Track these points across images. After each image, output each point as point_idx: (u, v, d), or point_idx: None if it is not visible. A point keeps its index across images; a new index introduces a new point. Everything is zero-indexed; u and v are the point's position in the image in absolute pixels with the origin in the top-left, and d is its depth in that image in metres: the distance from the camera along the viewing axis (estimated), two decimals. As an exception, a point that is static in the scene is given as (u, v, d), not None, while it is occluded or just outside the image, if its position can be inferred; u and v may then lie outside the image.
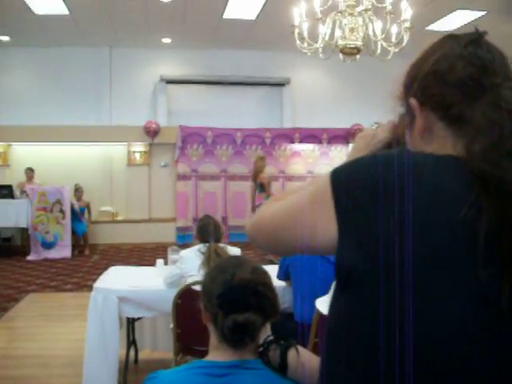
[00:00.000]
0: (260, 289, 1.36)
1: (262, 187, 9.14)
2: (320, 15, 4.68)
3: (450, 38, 0.97)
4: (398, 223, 0.82)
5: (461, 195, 0.83)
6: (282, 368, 1.37)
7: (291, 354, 1.38)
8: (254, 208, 9.35)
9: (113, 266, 4.75)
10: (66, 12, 8.88)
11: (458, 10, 8.97)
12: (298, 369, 1.36)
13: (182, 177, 11.31)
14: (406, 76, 0.99)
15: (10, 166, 11.07)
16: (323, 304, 1.75)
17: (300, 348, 1.40)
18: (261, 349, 1.39)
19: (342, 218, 0.88)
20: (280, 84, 11.93)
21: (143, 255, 9.98)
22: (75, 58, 11.18)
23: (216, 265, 1.48)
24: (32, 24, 9.45)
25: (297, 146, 11.64)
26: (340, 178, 0.91)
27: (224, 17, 9.34)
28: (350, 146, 11.56)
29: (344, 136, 11.74)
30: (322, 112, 11.74)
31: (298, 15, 4.93)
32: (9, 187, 9.98)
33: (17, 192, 10.07)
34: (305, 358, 1.38)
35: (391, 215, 0.83)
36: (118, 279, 3.98)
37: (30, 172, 10.37)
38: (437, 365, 0.81)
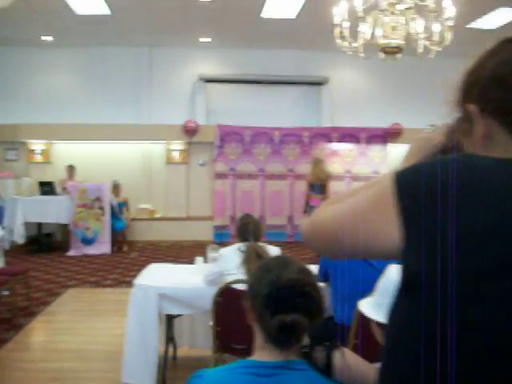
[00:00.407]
0: (307, 289, 1.35)
1: (320, 188, 9.27)
2: (361, 14, 4.64)
3: (509, 41, 0.94)
4: (467, 230, 0.80)
5: None
6: (327, 369, 1.36)
7: (336, 355, 1.37)
8: (306, 210, 9.47)
9: (151, 262, 4.82)
10: (108, 12, 9.02)
11: (501, 8, 8.78)
12: (344, 370, 1.36)
13: (220, 175, 11.37)
14: (463, 81, 0.96)
15: (52, 163, 11.30)
16: (366, 305, 1.73)
17: (345, 350, 1.39)
18: (306, 350, 1.39)
19: (407, 223, 0.86)
20: (318, 83, 11.88)
21: (181, 253, 10.06)
22: (115, 58, 11.37)
23: (261, 265, 1.47)
24: (74, 24, 9.63)
25: (335, 146, 11.57)
26: (404, 182, 0.89)
27: (263, 16, 9.34)
28: (389, 145, 11.47)
29: (382, 136, 11.63)
30: (361, 111, 11.64)
31: (339, 14, 4.90)
32: (50, 184, 10.19)
33: (58, 188, 10.27)
34: (350, 360, 1.38)
35: (460, 222, 0.81)
36: (157, 276, 4.02)
37: (71, 169, 10.58)
38: (502, 378, 0.79)
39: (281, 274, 1.36)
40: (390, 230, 0.88)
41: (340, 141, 11.56)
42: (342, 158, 11.67)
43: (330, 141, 11.53)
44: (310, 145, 11.49)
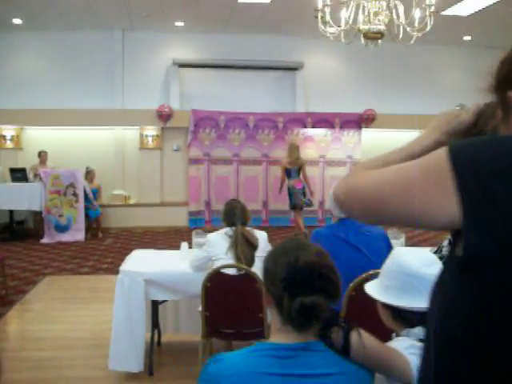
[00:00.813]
0: (325, 271, 1.36)
1: (297, 172, 9.48)
2: (345, -1, 4.66)
3: None
4: None
5: None
6: (344, 350, 1.38)
7: (353, 336, 1.39)
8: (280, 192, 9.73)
9: (126, 249, 4.80)
10: (81, -5, 8.86)
11: (475, -5, 8.90)
12: (360, 350, 1.38)
13: (195, 161, 11.32)
14: (501, 69, 0.96)
15: (23, 149, 11.10)
16: (372, 287, 1.76)
17: (361, 330, 1.41)
18: (323, 330, 1.40)
19: (467, 199, 0.85)
20: (293, 68, 11.88)
21: (156, 239, 10.02)
22: (88, 42, 11.17)
23: (278, 247, 1.47)
24: (45, 6, 9.41)
25: (309, 131, 11.61)
26: (463, 156, 0.88)
27: (239, 0, 9.27)
28: (363, 130, 11.56)
29: (356, 121, 11.71)
30: (335, 97, 11.69)
31: (322, -1, 4.90)
32: (22, 170, 10.00)
33: (30, 175, 10.09)
34: (366, 340, 1.40)
35: None
36: (143, 262, 4.00)
37: (43, 154, 10.40)
38: None
39: (298, 256, 1.37)
40: (444, 203, 0.87)
41: (314, 126, 11.60)
42: (316, 143, 11.72)
43: (305, 126, 11.57)
44: (285, 130, 11.52)
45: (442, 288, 0.96)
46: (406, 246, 4.05)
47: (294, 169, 9.44)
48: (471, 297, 0.88)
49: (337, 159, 11.77)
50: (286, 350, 1.35)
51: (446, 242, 2.77)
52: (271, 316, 1.47)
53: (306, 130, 11.59)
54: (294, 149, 9.60)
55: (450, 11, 9.47)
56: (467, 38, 11.66)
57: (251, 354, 1.37)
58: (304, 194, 9.37)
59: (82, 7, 9.53)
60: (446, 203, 0.87)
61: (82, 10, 9.73)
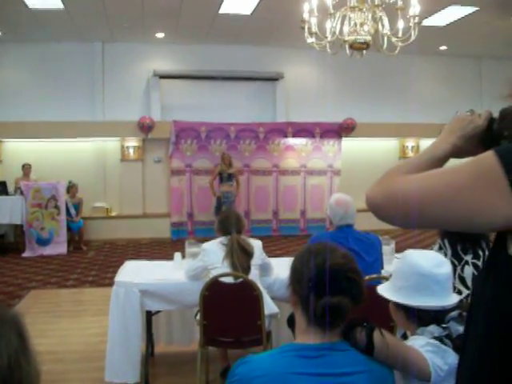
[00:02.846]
0: (351, 274, 1.41)
1: (230, 177, 10.38)
2: (332, 10, 4.73)
3: None
4: None
5: None
6: (368, 349, 1.42)
7: (376, 335, 1.43)
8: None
9: (110, 262, 4.76)
10: (61, 6, 8.82)
11: (451, 6, 9.07)
12: (383, 349, 1.42)
13: (176, 172, 11.31)
14: None
15: (2, 162, 10.97)
16: (384, 289, 1.81)
17: (383, 330, 1.45)
18: (347, 330, 1.44)
19: None
20: (273, 79, 11.97)
21: (139, 250, 9.98)
22: (68, 53, 11.10)
23: (307, 249, 1.51)
24: (25, 18, 9.35)
25: (290, 141, 11.70)
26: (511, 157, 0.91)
27: (220, 11, 9.34)
28: (343, 140, 11.69)
29: (336, 130, 11.83)
30: (315, 106, 11.78)
31: (308, 10, 4.97)
32: (2, 183, 9.90)
33: (11, 188, 9.99)
34: (388, 339, 1.44)
35: None
36: (137, 273, 3.99)
37: (27, 167, 10.28)
38: None
39: (326, 258, 1.41)
40: (500, 203, 0.89)
41: (295, 136, 11.70)
42: (296, 152, 11.80)
43: (285, 136, 11.66)
44: (266, 140, 11.58)
45: (492, 274, 0.99)
46: (396, 252, 4.11)
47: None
48: None
49: (318, 168, 11.86)
50: (313, 350, 1.39)
51: (436, 247, 2.84)
52: (296, 317, 1.50)
53: (286, 139, 11.67)
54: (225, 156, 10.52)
55: (428, 22, 9.64)
56: (443, 47, 11.88)
57: (280, 354, 1.40)
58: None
59: (63, 19, 9.50)
60: (502, 203, 0.89)
61: (63, 22, 9.70)
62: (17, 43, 10.73)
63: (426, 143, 12.51)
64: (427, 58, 12.36)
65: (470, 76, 12.68)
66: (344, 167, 11.89)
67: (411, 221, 1.03)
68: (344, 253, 1.46)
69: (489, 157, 0.93)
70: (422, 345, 1.58)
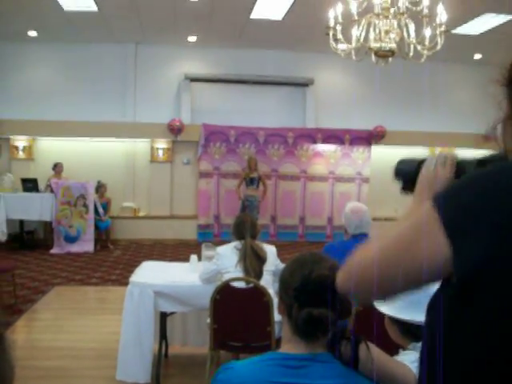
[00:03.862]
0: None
1: (253, 181, 10.40)
2: (357, 17, 4.71)
3: None
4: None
5: None
6: (353, 362, 1.40)
7: (361, 348, 1.41)
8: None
9: (135, 261, 4.81)
10: (95, 9, 8.97)
11: (486, 14, 8.93)
12: (368, 363, 1.40)
13: (204, 174, 11.38)
14: None
15: (35, 160, 11.19)
16: (382, 303, 1.79)
17: (369, 343, 1.43)
18: (332, 342, 1.43)
19: (450, 228, 0.89)
20: (303, 84, 11.94)
21: (165, 251, 10.06)
22: (101, 54, 11.29)
23: (295, 259, 1.52)
24: (60, 20, 9.55)
25: (319, 147, 11.65)
26: (442, 197, 0.93)
27: (251, 17, 9.38)
28: (372, 147, 11.60)
29: (366, 138, 11.74)
30: (345, 113, 11.72)
31: (333, 17, 4.96)
32: (34, 181, 10.10)
33: (43, 186, 10.19)
34: (374, 353, 1.42)
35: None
36: (152, 274, 4.03)
37: (59, 166, 10.45)
38: None
39: (313, 269, 1.41)
40: (438, 243, 0.90)
41: (324, 142, 11.64)
42: (325, 158, 11.75)
43: (315, 142, 11.61)
44: (295, 145, 11.57)
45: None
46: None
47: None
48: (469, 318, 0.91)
49: (346, 175, 11.79)
50: (295, 359, 1.38)
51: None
52: (282, 325, 1.50)
53: (315, 145, 11.63)
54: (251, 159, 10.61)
55: (461, 30, 9.52)
56: (478, 56, 11.70)
57: (262, 362, 1.40)
58: None
59: (96, 20, 9.66)
60: (439, 242, 0.90)
61: (96, 23, 9.86)
62: (52, 44, 10.94)
63: (457, 152, 12.32)
64: (461, 67, 12.19)
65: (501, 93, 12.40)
66: (373, 175, 11.78)
67: (376, 291, 1.01)
68: (332, 264, 1.45)
69: (426, 205, 0.93)
70: (413, 360, 1.55)
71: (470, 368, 0.91)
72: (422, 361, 1.02)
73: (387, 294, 1.04)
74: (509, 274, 0.84)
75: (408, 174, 1.24)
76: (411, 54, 5.05)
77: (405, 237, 0.97)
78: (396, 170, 1.37)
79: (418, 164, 1.20)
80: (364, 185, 11.83)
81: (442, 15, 4.78)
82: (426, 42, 5.00)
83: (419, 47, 4.99)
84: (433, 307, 1.00)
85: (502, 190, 0.87)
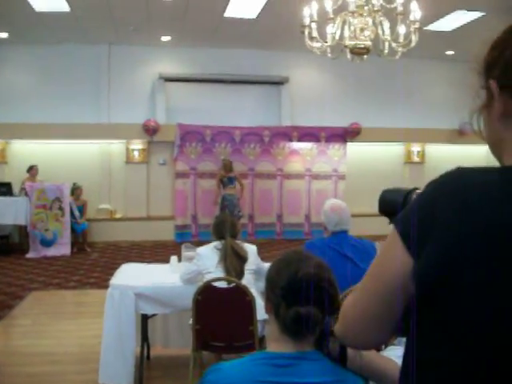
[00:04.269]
0: (323, 284, 1.41)
1: (230, 180, 10.40)
2: (332, 15, 4.73)
3: None
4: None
5: None
6: (341, 359, 1.41)
7: (350, 345, 1.42)
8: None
9: (113, 264, 4.78)
10: (67, 9, 8.87)
11: (457, 11, 9.04)
12: (357, 360, 1.41)
13: (181, 175, 11.34)
14: (489, 53, 0.95)
15: (8, 163, 11.02)
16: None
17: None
18: (320, 340, 1.44)
19: (409, 239, 0.92)
20: (279, 83, 11.96)
21: (142, 253, 10.00)
22: (74, 55, 11.14)
23: (282, 257, 1.52)
24: (32, 21, 9.42)
25: (295, 145, 11.69)
26: (399, 218, 0.96)
27: (225, 15, 9.36)
28: (348, 144, 11.68)
29: (341, 135, 11.81)
30: (321, 111, 11.76)
31: (308, 15, 4.98)
32: (7, 184, 9.94)
33: (16, 189, 10.04)
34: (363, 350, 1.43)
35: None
36: (133, 276, 4.01)
37: (34, 169, 10.30)
38: None
39: (299, 268, 1.42)
40: (404, 263, 0.93)
41: (300, 140, 11.68)
42: (301, 156, 11.80)
43: (290, 140, 11.65)
44: (271, 144, 11.59)
45: None
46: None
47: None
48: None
49: (322, 173, 11.85)
50: (284, 358, 1.39)
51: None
52: (270, 324, 1.50)
53: (291, 143, 11.67)
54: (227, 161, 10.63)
55: (433, 26, 9.62)
56: (450, 52, 11.84)
57: (249, 362, 1.40)
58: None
59: (69, 21, 9.55)
60: (402, 259, 0.93)
61: (69, 24, 9.75)
62: (23, 45, 10.78)
63: (431, 148, 12.48)
64: (434, 63, 12.33)
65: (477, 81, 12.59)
66: (349, 172, 11.87)
67: (365, 335, 1.05)
68: (318, 262, 1.46)
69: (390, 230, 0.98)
70: (399, 356, 1.57)
71: (439, 369, 0.93)
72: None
73: (380, 331, 1.05)
74: (465, 276, 0.86)
75: (395, 206, 1.26)
76: (386, 51, 5.10)
77: (375, 266, 1.02)
78: (382, 200, 1.39)
79: (405, 195, 1.21)
80: (340, 182, 11.90)
81: (415, 12, 4.84)
82: (401, 39, 5.05)
83: (394, 44, 5.04)
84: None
85: (448, 194, 0.89)
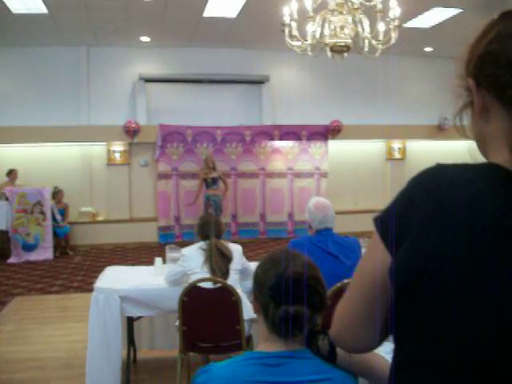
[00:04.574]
0: (311, 283, 1.41)
1: (215, 181, 10.40)
2: (312, 14, 4.74)
3: (503, 17, 0.93)
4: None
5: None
6: (330, 356, 1.41)
7: (339, 343, 1.42)
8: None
9: (96, 267, 4.73)
10: (45, 11, 8.78)
11: (435, 8, 9.11)
12: (346, 357, 1.41)
13: (163, 176, 11.28)
14: (465, 53, 0.97)
15: (-13, 167, 10.89)
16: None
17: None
18: (309, 339, 1.44)
19: (387, 237, 0.93)
20: (259, 82, 11.96)
21: (126, 255, 9.95)
22: (53, 58, 11.04)
23: (269, 257, 1.52)
24: (8, 23, 9.30)
25: (277, 143, 11.70)
26: (379, 217, 0.97)
27: (204, 15, 9.34)
28: (329, 142, 11.72)
29: (323, 133, 11.84)
30: (301, 109, 11.80)
31: (288, 14, 4.98)
32: (-14, 189, 9.83)
33: (-3, 194, 9.93)
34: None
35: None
36: (117, 279, 3.97)
37: (14, 173, 10.19)
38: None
39: (287, 267, 1.41)
40: (384, 262, 0.95)
41: (281, 138, 11.69)
42: (283, 155, 11.81)
43: (272, 138, 11.65)
44: (252, 143, 11.58)
45: None
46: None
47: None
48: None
49: (305, 171, 11.88)
50: (273, 357, 1.38)
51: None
52: (259, 324, 1.50)
53: (273, 142, 11.67)
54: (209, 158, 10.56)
55: (412, 23, 9.69)
56: (429, 49, 11.94)
57: (239, 362, 1.39)
58: None
59: (47, 23, 9.45)
60: (383, 258, 0.95)
61: (47, 26, 9.65)
62: (1, 48, 10.65)
63: (411, 144, 12.57)
64: (413, 60, 12.43)
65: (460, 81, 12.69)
66: (331, 169, 11.92)
67: (358, 334, 1.06)
68: (305, 260, 1.46)
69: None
70: (388, 351, 1.57)
71: (415, 367, 0.94)
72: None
73: (369, 332, 1.06)
74: (438, 274, 0.87)
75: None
76: (366, 48, 5.12)
77: (359, 266, 1.04)
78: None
79: None
80: (322, 179, 11.93)
81: (394, 9, 4.87)
82: (380, 37, 5.07)
83: (374, 42, 5.06)
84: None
85: (424, 192, 0.90)
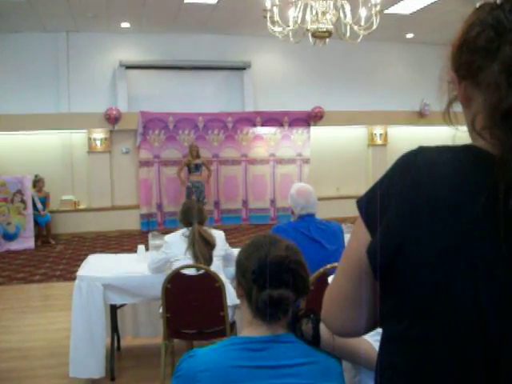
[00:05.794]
0: (293, 266, 1.41)
1: (197, 167, 10.50)
2: (293, -1, 4.72)
3: (479, 8, 0.94)
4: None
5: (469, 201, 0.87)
6: (314, 340, 1.42)
7: (322, 326, 1.43)
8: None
9: (79, 255, 4.69)
10: (23, -4, 8.64)
11: (416, -7, 9.14)
12: (330, 340, 1.42)
13: (145, 163, 11.22)
14: (450, 49, 0.99)
15: (-34, 156, 10.74)
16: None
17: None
18: (292, 323, 1.44)
19: (367, 218, 0.97)
20: (240, 68, 11.90)
21: (108, 243, 9.90)
22: (31, 44, 10.86)
23: (251, 242, 1.52)
24: (-15, 9, 9.16)
25: (259, 130, 11.68)
26: (361, 199, 1.00)
27: (185, 1, 9.25)
28: (311, 128, 11.72)
29: (305, 119, 11.84)
30: (283, 95, 11.79)
31: (270, -1, 4.96)
32: (-34, 179, 9.71)
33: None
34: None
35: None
36: (100, 267, 3.96)
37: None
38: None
39: (269, 251, 1.42)
40: (364, 236, 0.97)
41: (263, 125, 11.67)
42: (265, 141, 11.80)
43: (254, 125, 11.62)
44: (234, 130, 11.55)
45: None
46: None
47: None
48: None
49: (287, 157, 11.88)
50: (257, 342, 1.39)
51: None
52: (242, 310, 1.50)
53: (255, 128, 11.65)
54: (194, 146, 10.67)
55: (393, 9, 9.70)
56: (410, 35, 11.96)
57: (224, 348, 1.40)
58: None
59: (25, 9, 9.29)
60: (365, 238, 0.97)
61: (25, 12, 9.49)
62: (-23, 35, 10.48)
63: (393, 130, 12.61)
64: (394, 46, 12.45)
65: (438, 63, 12.77)
66: (313, 155, 11.93)
67: (349, 315, 1.06)
68: (287, 244, 1.46)
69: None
70: (371, 334, 1.59)
71: (400, 344, 0.97)
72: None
73: (355, 314, 1.06)
74: (413, 250, 0.90)
75: None
76: (348, 34, 5.11)
77: (345, 248, 1.06)
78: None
79: None
80: (305, 166, 11.95)
81: (376, -5, 4.86)
82: (362, 23, 5.07)
83: (355, 27, 5.05)
84: None
85: (402, 172, 0.94)
